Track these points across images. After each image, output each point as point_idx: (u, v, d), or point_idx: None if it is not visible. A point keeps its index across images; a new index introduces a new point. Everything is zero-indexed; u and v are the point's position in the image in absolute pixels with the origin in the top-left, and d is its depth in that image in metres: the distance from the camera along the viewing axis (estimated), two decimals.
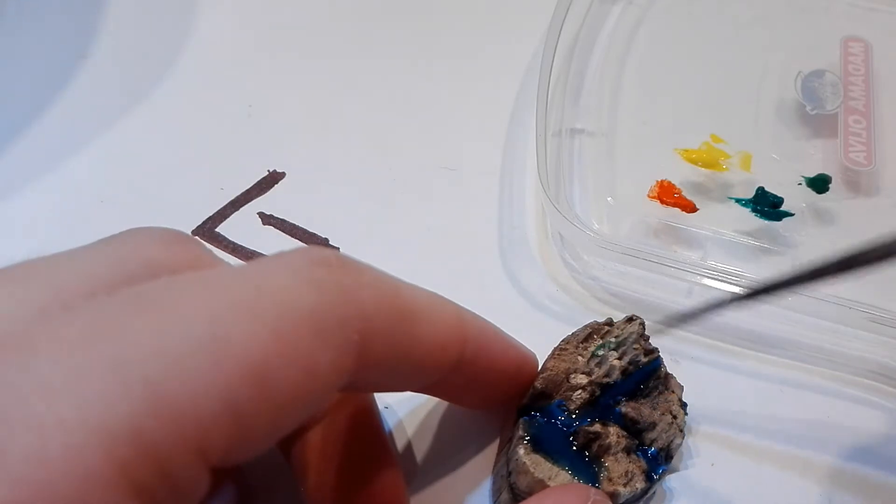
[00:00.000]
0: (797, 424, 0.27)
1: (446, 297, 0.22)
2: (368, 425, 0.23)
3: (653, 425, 0.24)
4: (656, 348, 0.25)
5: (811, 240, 0.30)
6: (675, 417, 0.24)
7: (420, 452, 0.25)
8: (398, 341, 0.19)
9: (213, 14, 0.39)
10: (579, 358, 0.24)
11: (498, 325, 0.24)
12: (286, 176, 0.33)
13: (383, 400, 0.26)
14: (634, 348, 0.24)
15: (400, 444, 0.26)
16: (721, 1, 0.38)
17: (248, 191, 0.32)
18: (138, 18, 0.38)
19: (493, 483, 0.25)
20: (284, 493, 0.24)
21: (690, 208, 0.30)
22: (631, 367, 0.24)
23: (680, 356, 0.28)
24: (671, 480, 0.25)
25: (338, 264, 0.18)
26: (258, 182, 0.32)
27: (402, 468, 0.23)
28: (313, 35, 0.38)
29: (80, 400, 0.14)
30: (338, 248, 0.31)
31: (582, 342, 0.25)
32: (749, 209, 0.30)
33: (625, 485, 0.22)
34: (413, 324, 0.19)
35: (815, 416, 0.27)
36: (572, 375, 0.24)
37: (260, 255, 0.30)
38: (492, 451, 0.25)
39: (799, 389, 0.27)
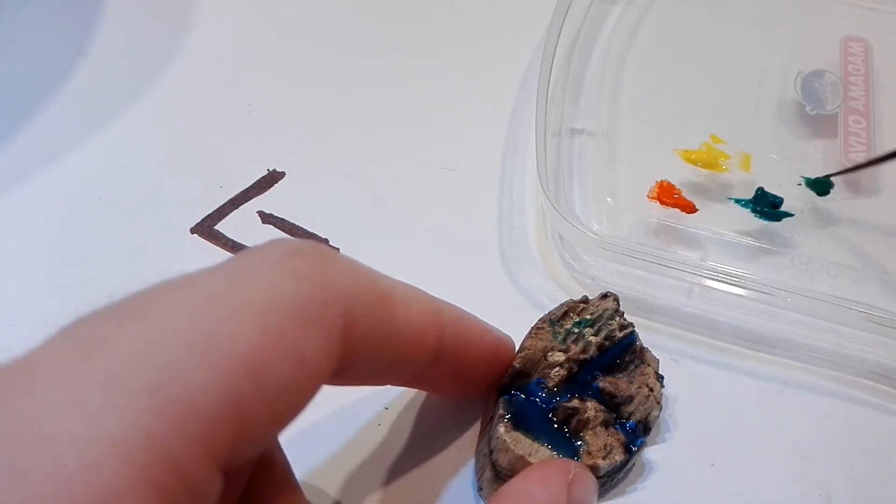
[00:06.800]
0: (797, 424, 0.27)
1: (446, 297, 0.22)
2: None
3: (630, 398, 0.24)
4: (631, 323, 0.25)
5: (811, 240, 0.30)
6: (651, 390, 0.25)
7: (404, 435, 0.26)
8: (379, 325, 0.19)
9: (213, 13, 0.38)
10: (556, 335, 0.25)
11: (498, 325, 0.24)
12: (286, 175, 0.33)
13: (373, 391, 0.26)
14: (610, 324, 0.25)
15: (385, 426, 0.26)
16: (721, 1, 0.38)
17: (247, 189, 0.32)
18: (138, 17, 0.38)
19: (476, 462, 0.25)
20: None
21: (690, 209, 0.30)
22: (607, 343, 0.25)
23: (680, 356, 0.28)
24: (651, 453, 0.25)
25: (313, 253, 0.18)
26: (258, 181, 0.32)
27: (388, 450, 0.23)
28: (313, 35, 0.38)
29: (87, 414, 0.14)
30: (338, 249, 0.31)
31: (558, 320, 0.25)
32: (749, 209, 0.30)
33: (604, 457, 0.23)
34: (391, 308, 0.19)
35: (815, 416, 0.27)
36: (550, 353, 0.24)
37: None
38: (475, 431, 0.26)
39: (799, 389, 0.27)
